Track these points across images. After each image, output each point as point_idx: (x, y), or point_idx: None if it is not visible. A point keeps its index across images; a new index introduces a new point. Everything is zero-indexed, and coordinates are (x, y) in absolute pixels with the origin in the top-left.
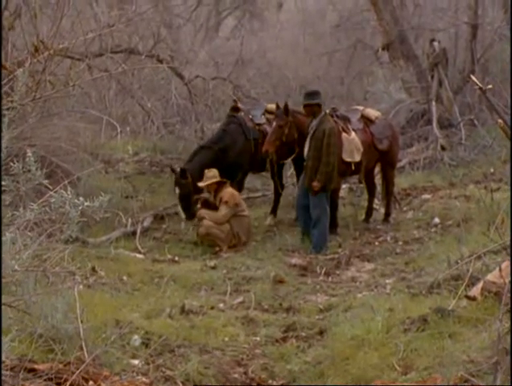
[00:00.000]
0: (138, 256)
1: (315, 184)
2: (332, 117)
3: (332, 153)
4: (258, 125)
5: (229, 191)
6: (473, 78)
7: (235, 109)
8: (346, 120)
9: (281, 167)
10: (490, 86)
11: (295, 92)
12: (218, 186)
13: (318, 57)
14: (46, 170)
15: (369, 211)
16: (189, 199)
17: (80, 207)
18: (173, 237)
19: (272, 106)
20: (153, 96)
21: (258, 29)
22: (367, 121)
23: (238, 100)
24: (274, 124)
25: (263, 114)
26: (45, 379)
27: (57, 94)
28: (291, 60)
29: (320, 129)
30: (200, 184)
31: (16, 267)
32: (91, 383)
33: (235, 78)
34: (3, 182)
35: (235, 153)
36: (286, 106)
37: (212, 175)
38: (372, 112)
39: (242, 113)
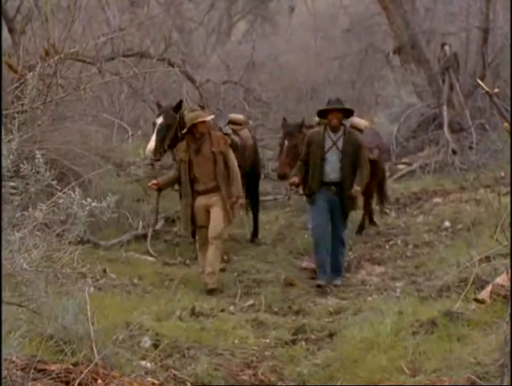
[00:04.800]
0: (149, 258)
1: (359, 189)
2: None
3: (367, 162)
4: (226, 134)
5: (222, 134)
6: (480, 82)
7: None
8: None
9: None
10: (497, 90)
11: (306, 96)
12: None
13: (329, 61)
14: (57, 173)
15: (363, 221)
16: (167, 134)
17: (88, 208)
18: (184, 240)
19: (236, 117)
20: (164, 100)
21: (269, 33)
22: (356, 130)
23: (205, 106)
24: (287, 143)
25: (226, 125)
26: (55, 379)
27: (68, 97)
28: (302, 64)
29: (351, 143)
30: (200, 119)
31: (25, 265)
32: (99, 381)
33: (246, 82)
34: (13, 184)
35: None
36: (302, 124)
37: (207, 113)
38: (361, 122)
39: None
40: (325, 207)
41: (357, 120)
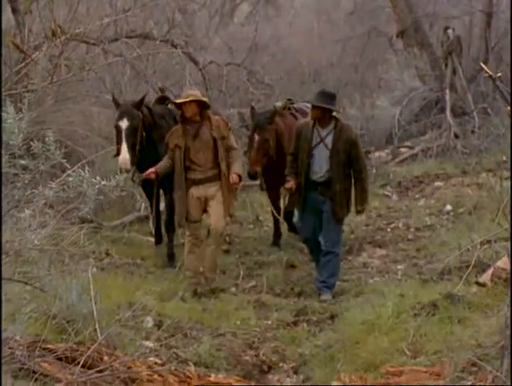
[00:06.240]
0: (152, 239)
1: (362, 208)
2: (288, 109)
3: (365, 165)
4: None
5: (222, 118)
6: (483, 65)
7: (163, 100)
8: (304, 113)
9: None
10: (500, 74)
11: (308, 79)
12: (201, 109)
13: (332, 44)
14: (61, 153)
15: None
16: (136, 139)
17: (97, 186)
18: None
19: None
20: (167, 81)
21: (272, 15)
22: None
23: (165, 88)
24: (258, 137)
25: None
26: (60, 358)
27: (74, 78)
28: (305, 47)
29: (342, 140)
30: (183, 100)
31: (36, 242)
32: (106, 358)
33: (249, 64)
34: (23, 162)
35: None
36: (274, 113)
37: (197, 93)
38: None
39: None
40: (314, 215)
41: (302, 105)
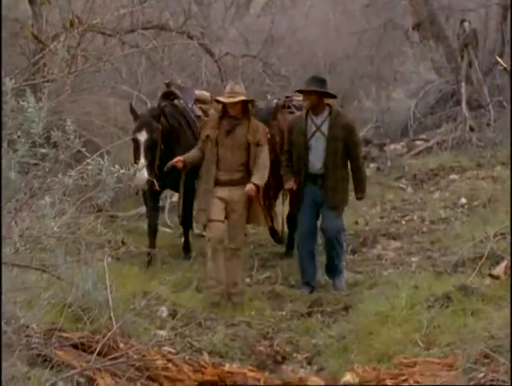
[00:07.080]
0: (167, 230)
1: (361, 195)
2: (288, 107)
3: (361, 152)
4: (198, 117)
5: (262, 124)
6: (498, 59)
7: (168, 95)
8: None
9: None
10: None
11: (324, 70)
12: (244, 108)
13: (348, 36)
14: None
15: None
16: (156, 153)
17: (116, 174)
18: None
19: (202, 93)
20: (183, 73)
21: (288, 6)
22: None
23: (171, 83)
24: None
25: (194, 104)
26: (75, 346)
27: (90, 69)
28: (320, 39)
29: (339, 126)
30: (230, 99)
31: (55, 229)
32: (122, 345)
33: (265, 56)
34: (44, 151)
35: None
36: (277, 107)
37: (243, 90)
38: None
39: (181, 101)
40: (312, 209)
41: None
